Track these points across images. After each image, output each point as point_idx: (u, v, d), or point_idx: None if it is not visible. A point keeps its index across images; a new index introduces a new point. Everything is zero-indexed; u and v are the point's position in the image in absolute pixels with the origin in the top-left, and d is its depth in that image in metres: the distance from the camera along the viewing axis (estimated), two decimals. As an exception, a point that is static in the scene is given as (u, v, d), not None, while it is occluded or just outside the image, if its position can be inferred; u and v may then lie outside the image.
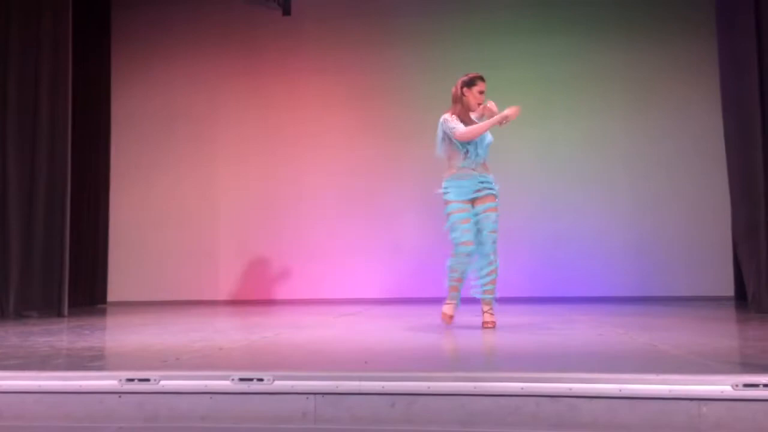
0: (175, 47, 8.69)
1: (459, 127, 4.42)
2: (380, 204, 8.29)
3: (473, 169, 4.46)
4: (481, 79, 4.54)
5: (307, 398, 2.45)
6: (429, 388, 2.41)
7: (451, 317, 4.58)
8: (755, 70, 5.55)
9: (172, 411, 2.51)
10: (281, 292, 8.18)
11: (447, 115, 4.53)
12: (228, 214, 8.49)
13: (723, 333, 4.07)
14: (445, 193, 4.50)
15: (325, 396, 2.45)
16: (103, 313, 6.83)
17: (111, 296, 8.20)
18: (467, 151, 4.44)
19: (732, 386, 2.28)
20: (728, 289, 7.18)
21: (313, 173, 8.44)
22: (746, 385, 2.27)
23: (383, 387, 2.43)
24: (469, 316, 5.47)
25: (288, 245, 8.35)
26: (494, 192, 4.48)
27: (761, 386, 2.27)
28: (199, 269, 8.41)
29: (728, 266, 7.22)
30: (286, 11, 8.56)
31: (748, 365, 2.82)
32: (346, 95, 8.49)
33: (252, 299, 8.09)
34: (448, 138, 4.48)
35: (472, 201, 4.46)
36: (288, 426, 2.43)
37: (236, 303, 7.89)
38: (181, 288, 8.29)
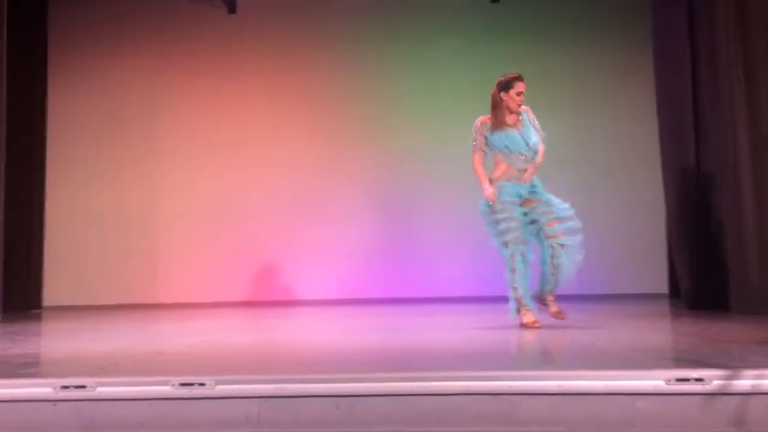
0: (117, 42, 8.46)
1: (475, 151, 4.47)
2: (329, 205, 8.25)
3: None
4: (519, 79, 4.38)
5: (251, 402, 2.43)
6: (373, 389, 2.42)
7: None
8: (688, 73, 5.75)
9: (109, 418, 2.45)
10: (224, 295, 8.05)
11: (478, 122, 4.47)
12: (169, 215, 8.32)
13: (657, 330, 4.21)
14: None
15: (268, 399, 2.43)
16: (38, 318, 6.60)
17: (47, 300, 7.93)
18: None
19: (665, 381, 2.36)
20: (663, 287, 7.42)
21: (257, 174, 8.35)
22: (678, 380, 2.36)
23: (327, 389, 2.43)
24: (412, 318, 5.51)
25: (232, 247, 8.24)
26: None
27: (692, 381, 2.35)
28: (140, 272, 8.22)
29: (663, 264, 7.46)
30: (231, 9, 8.45)
31: (680, 361, 2.93)
32: (293, 96, 8.43)
33: (194, 302, 7.94)
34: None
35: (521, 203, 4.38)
36: (231, 431, 2.40)
37: (178, 306, 7.72)
38: (121, 291, 8.08)
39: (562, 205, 4.33)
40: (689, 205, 5.75)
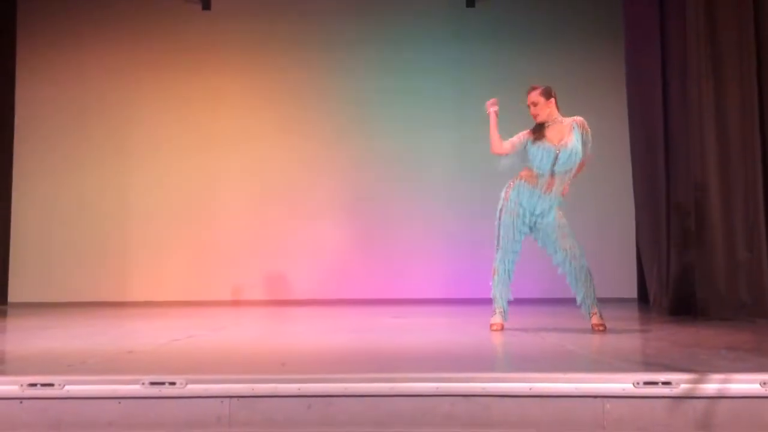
0: (88, 37, 8.35)
1: (511, 146, 4.38)
2: (302, 205, 8.23)
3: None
4: (527, 90, 4.36)
5: (222, 401, 2.41)
6: (345, 389, 2.42)
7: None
8: (659, 82, 5.85)
9: (77, 417, 2.41)
10: (195, 294, 7.98)
11: (527, 131, 4.39)
12: (140, 212, 8.23)
13: (626, 334, 4.27)
14: None
15: (240, 399, 2.41)
16: (3, 314, 6.48)
17: (12, 297, 7.78)
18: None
19: (633, 384, 2.39)
20: (632, 292, 7.53)
21: (229, 172, 8.30)
22: (646, 383, 2.39)
23: (299, 389, 2.42)
24: (384, 319, 5.52)
25: (203, 245, 8.18)
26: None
27: (660, 384, 2.39)
28: (109, 269, 8.12)
29: (632, 269, 7.57)
30: (206, 5, 8.38)
31: (648, 364, 2.97)
32: (267, 94, 8.40)
33: (164, 301, 7.86)
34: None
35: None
36: (202, 430, 2.38)
37: (148, 305, 7.64)
38: (90, 289, 7.97)
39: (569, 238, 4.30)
40: (658, 212, 5.85)
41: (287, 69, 8.35)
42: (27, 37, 8.13)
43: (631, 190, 6.35)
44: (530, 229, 4.38)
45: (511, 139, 4.36)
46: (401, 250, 8.11)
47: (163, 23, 8.40)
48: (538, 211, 4.33)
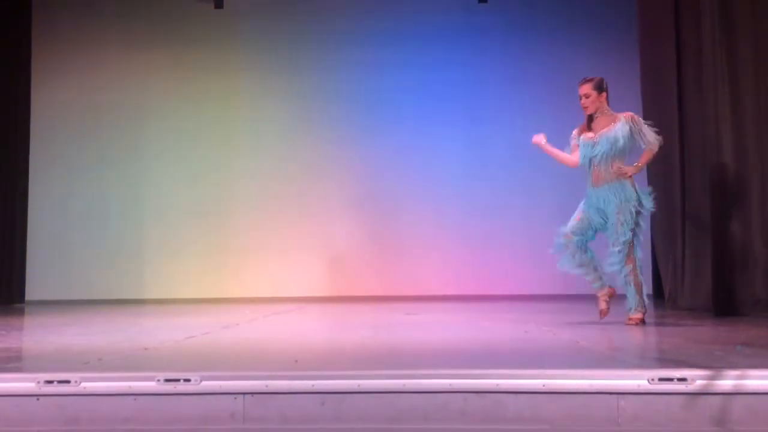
0: (102, 37, 8.41)
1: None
2: (314, 203, 8.25)
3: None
4: (579, 82, 4.40)
5: (236, 398, 2.42)
6: (359, 386, 2.42)
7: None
8: (674, 78, 5.80)
9: (93, 414, 2.43)
10: (210, 291, 8.03)
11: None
12: (155, 210, 8.28)
13: (641, 329, 4.24)
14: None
15: (254, 396, 2.42)
16: (20, 312, 6.54)
17: (29, 295, 7.86)
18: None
19: (648, 380, 2.38)
20: (647, 288, 7.46)
21: (243, 171, 8.34)
22: (661, 379, 2.37)
23: (313, 386, 2.43)
24: (397, 316, 5.52)
25: (218, 243, 8.22)
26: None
27: (675, 380, 2.37)
28: (124, 267, 8.18)
29: (647, 265, 7.50)
30: (219, 4, 8.41)
31: (663, 360, 2.95)
32: (280, 92, 8.42)
33: (179, 298, 7.91)
34: None
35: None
36: (216, 427, 2.39)
37: (162, 302, 7.70)
38: (105, 287, 8.04)
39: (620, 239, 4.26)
40: (673, 207, 5.80)
41: (299, 67, 8.36)
42: (42, 37, 8.19)
43: (646, 185, 6.30)
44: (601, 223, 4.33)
45: (572, 149, 4.45)
46: (414, 246, 8.11)
47: (176, 23, 8.44)
48: (601, 206, 4.31)
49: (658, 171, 6.02)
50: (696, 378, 2.37)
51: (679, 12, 5.78)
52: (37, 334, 4.45)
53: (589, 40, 8.13)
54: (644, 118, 6.30)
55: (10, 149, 7.64)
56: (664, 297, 6.12)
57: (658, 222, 6.12)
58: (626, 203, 4.23)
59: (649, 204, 4.30)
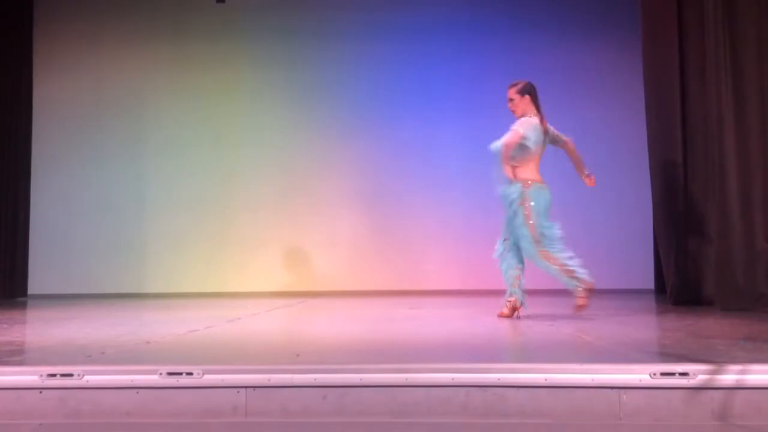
0: (104, 31, 8.40)
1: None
2: (317, 198, 8.25)
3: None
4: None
5: (238, 392, 2.43)
6: (361, 380, 2.43)
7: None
8: (677, 75, 5.78)
9: (96, 407, 2.43)
10: (212, 285, 8.04)
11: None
12: (156, 205, 8.29)
13: (643, 324, 4.24)
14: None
15: (256, 389, 2.43)
16: (23, 306, 6.56)
17: (32, 289, 7.87)
18: None
19: (650, 375, 2.38)
20: (649, 283, 7.48)
21: (245, 165, 8.33)
22: (663, 374, 2.38)
23: (315, 379, 2.43)
24: (399, 310, 5.52)
25: (219, 237, 8.22)
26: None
27: (677, 375, 2.37)
28: (127, 261, 8.19)
29: (649, 261, 7.51)
30: (220, -1, 8.40)
31: (665, 355, 2.95)
32: (282, 87, 8.40)
33: (181, 292, 7.92)
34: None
35: None
36: (218, 420, 2.40)
37: (164, 296, 7.71)
38: (108, 280, 8.05)
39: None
40: (676, 203, 5.79)
41: (301, 61, 8.35)
42: (44, 32, 8.18)
43: (649, 182, 6.29)
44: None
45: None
46: (418, 241, 8.11)
47: (177, 17, 8.42)
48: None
49: (660, 167, 6.01)
50: (698, 372, 2.37)
51: (682, 9, 5.76)
52: (40, 327, 4.46)
53: (592, 36, 8.11)
54: (647, 114, 6.33)
55: (13, 144, 7.64)
56: (666, 292, 6.11)
57: (660, 218, 6.12)
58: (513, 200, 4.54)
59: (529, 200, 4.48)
